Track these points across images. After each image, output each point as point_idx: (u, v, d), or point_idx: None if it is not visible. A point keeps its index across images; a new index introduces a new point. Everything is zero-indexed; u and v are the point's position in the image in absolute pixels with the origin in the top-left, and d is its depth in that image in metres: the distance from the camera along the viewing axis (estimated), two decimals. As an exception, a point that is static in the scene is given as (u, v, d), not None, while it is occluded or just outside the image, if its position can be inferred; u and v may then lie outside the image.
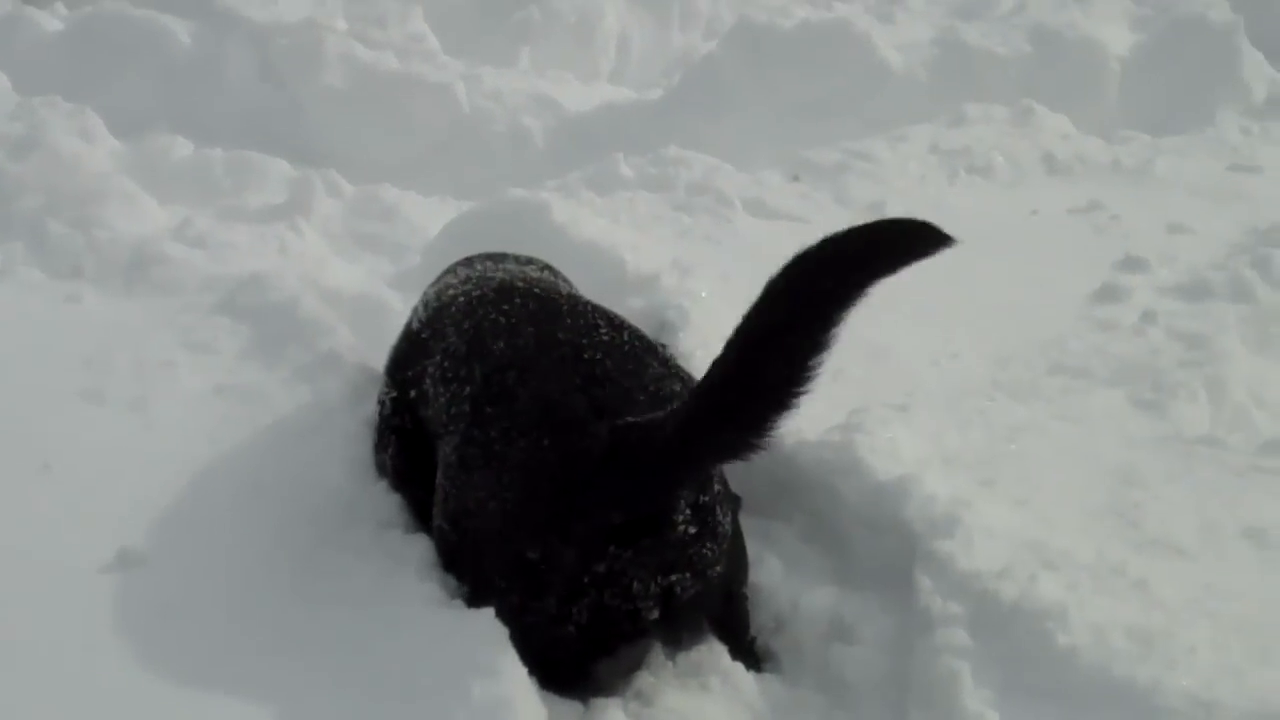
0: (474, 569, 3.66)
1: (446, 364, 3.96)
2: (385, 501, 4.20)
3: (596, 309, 4.00)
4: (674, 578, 3.53)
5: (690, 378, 3.87)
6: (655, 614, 3.55)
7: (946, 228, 3.31)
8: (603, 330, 3.83)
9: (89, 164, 6.48)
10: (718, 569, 3.66)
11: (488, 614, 3.49)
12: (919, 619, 3.81)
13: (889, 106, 9.52)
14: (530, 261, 4.74)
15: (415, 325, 4.35)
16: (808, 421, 4.53)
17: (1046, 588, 3.75)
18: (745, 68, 9.80)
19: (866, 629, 3.94)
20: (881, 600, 4.02)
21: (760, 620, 4.10)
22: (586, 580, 3.45)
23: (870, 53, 9.90)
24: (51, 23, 10.29)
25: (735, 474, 3.99)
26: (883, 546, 4.14)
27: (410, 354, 4.29)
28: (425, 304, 4.39)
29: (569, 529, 3.43)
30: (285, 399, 4.70)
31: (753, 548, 4.05)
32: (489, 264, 4.55)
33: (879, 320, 5.50)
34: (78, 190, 6.17)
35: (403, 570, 3.82)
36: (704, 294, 5.50)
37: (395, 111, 9.88)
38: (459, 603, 3.63)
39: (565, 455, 3.47)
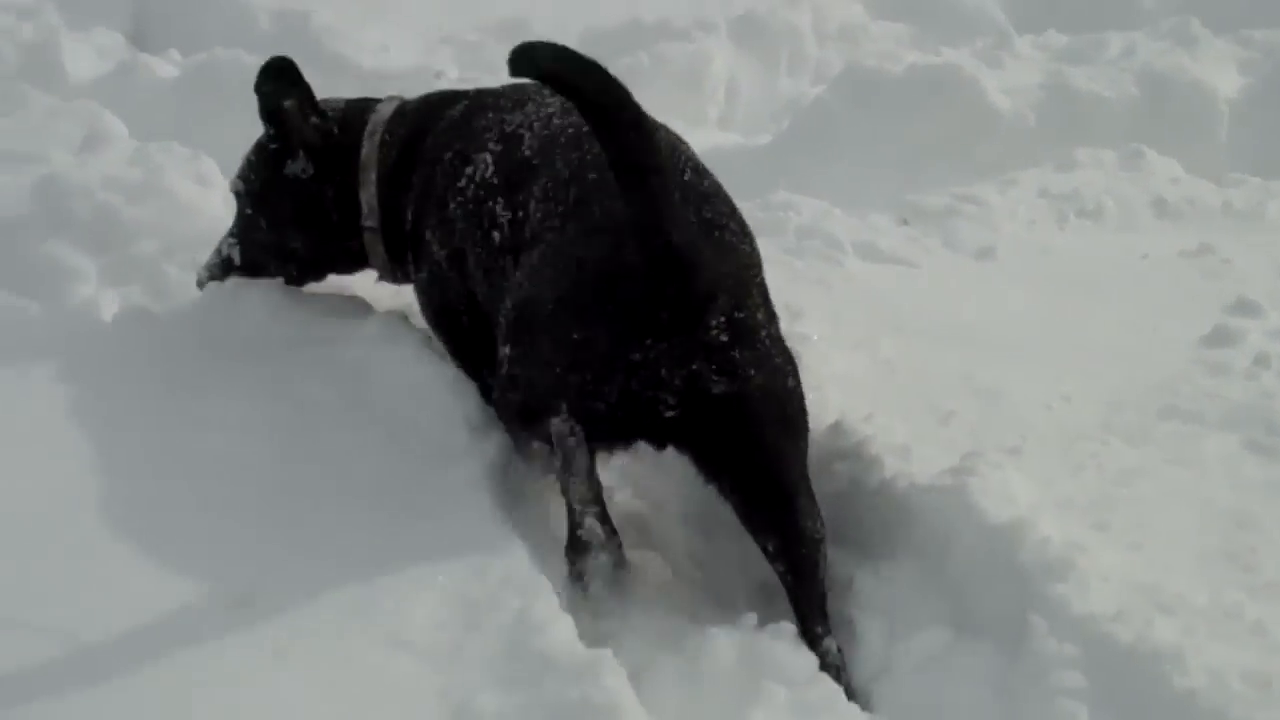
0: (528, 342, 4.07)
1: (550, 185, 4.34)
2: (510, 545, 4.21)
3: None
4: (696, 366, 3.84)
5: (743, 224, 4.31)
6: (674, 411, 3.89)
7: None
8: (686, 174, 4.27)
9: (204, 208, 6.56)
10: (753, 375, 3.92)
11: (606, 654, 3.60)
12: (1033, 662, 3.80)
13: (998, 151, 9.47)
14: None
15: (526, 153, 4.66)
16: (920, 465, 4.55)
17: (1162, 631, 3.73)
18: (853, 112, 9.78)
19: (980, 671, 3.95)
20: (995, 643, 4.01)
21: (870, 663, 4.12)
22: (621, 364, 3.87)
23: (979, 97, 9.86)
24: (166, 69, 10.42)
25: (848, 519, 4.04)
26: (996, 590, 4.12)
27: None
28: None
29: (613, 318, 3.86)
30: (405, 435, 4.74)
31: (865, 589, 4.06)
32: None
33: (991, 364, 5.53)
34: (194, 234, 6.25)
35: (513, 615, 3.85)
36: (815, 337, 5.53)
37: (504, 157, 9.95)
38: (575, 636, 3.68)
39: (620, 259, 3.86)
